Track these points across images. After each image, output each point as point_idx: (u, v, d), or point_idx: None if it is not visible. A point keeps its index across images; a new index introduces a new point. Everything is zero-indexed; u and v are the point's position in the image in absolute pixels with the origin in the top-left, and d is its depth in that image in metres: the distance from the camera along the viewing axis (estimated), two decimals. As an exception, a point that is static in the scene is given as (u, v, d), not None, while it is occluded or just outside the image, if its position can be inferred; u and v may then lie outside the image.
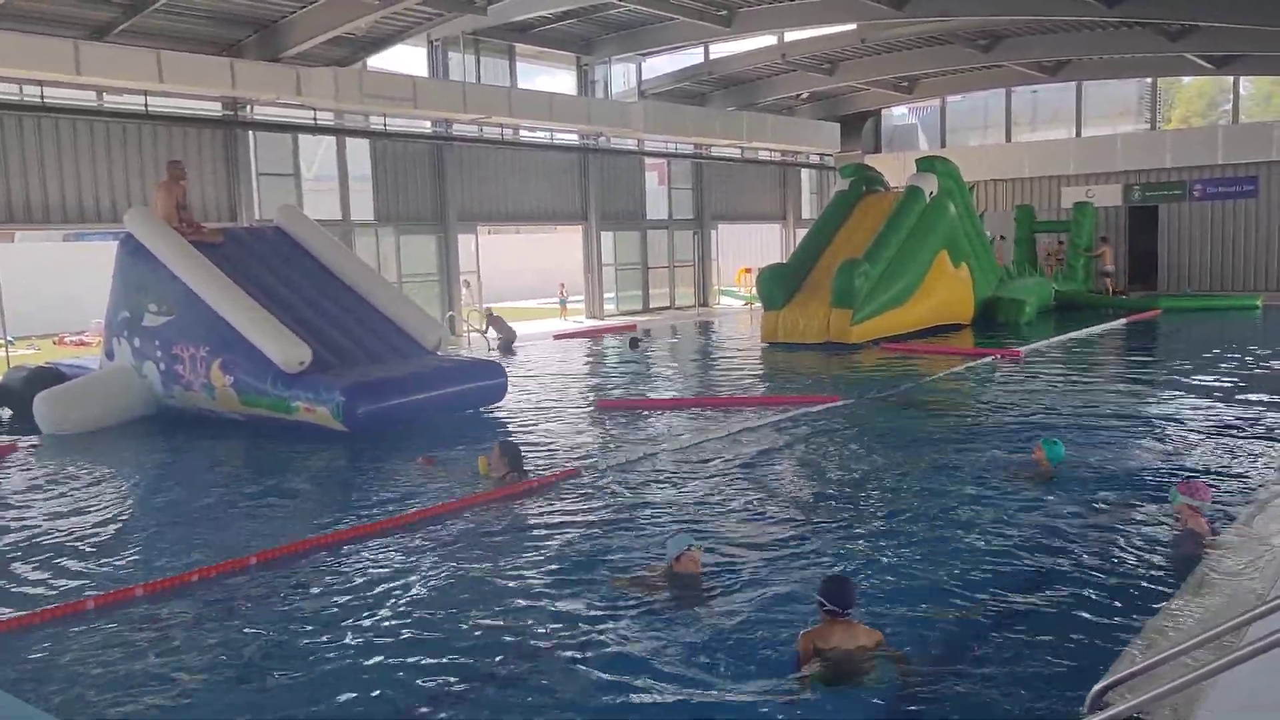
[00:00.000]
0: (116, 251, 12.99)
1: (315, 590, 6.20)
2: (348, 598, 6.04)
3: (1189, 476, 7.61)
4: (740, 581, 6.06)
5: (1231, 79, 28.06)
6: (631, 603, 5.76)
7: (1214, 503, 6.90)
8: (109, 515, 8.15)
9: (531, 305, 31.63)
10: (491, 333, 20.55)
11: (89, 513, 8.21)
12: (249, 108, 18.99)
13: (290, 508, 8.44)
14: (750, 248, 32.11)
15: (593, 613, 5.64)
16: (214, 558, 6.73)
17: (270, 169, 19.67)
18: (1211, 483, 7.91)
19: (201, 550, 7.00)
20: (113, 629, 5.63)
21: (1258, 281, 26.94)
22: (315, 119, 19.94)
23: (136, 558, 7.04)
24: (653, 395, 14.02)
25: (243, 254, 12.89)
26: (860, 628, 4.88)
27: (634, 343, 20.18)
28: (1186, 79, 29.82)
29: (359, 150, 21.29)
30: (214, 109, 18.64)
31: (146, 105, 17.42)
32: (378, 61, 21.45)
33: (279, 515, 8.14)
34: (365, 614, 5.76)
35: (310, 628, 5.59)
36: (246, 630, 5.61)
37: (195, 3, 16.86)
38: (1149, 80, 29.27)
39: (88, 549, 7.21)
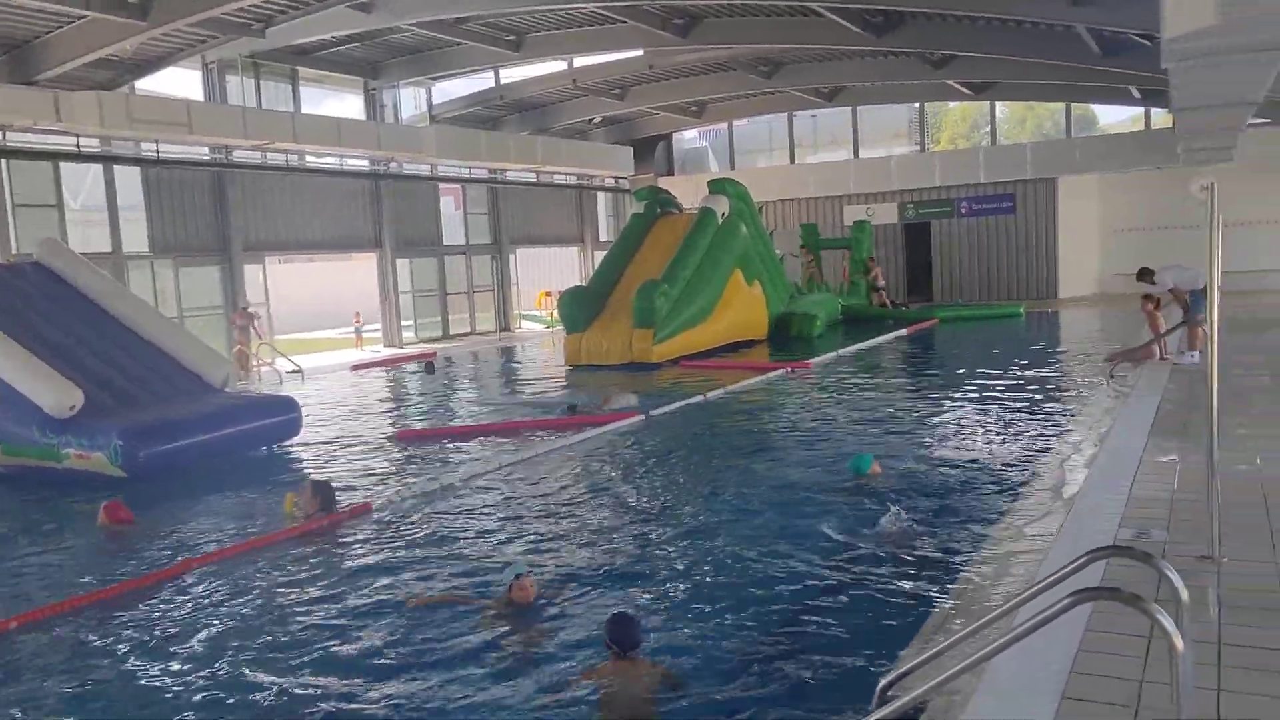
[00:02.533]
0: None
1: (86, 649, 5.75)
2: (124, 651, 5.63)
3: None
4: (566, 607, 6.04)
5: (989, 104, 30.39)
6: (465, 638, 5.63)
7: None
8: None
9: (327, 335, 30.60)
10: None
11: None
12: (1, 134, 17.57)
13: (58, 565, 7.80)
14: (549, 271, 32.17)
15: (410, 652, 5.48)
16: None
17: (29, 200, 18.25)
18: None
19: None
20: None
21: (1019, 291, 29.11)
22: (79, 146, 18.65)
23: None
24: (456, 423, 13.81)
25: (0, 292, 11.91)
26: (644, 664, 4.86)
27: (430, 367, 20.19)
28: (951, 104, 32.06)
29: (130, 178, 20.06)
30: (-40, 136, 17.19)
31: (-121, 132, 15.90)
32: (148, 84, 20.30)
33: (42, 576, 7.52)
34: (138, 673, 5.38)
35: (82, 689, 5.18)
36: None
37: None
38: (917, 105, 31.29)
39: None
